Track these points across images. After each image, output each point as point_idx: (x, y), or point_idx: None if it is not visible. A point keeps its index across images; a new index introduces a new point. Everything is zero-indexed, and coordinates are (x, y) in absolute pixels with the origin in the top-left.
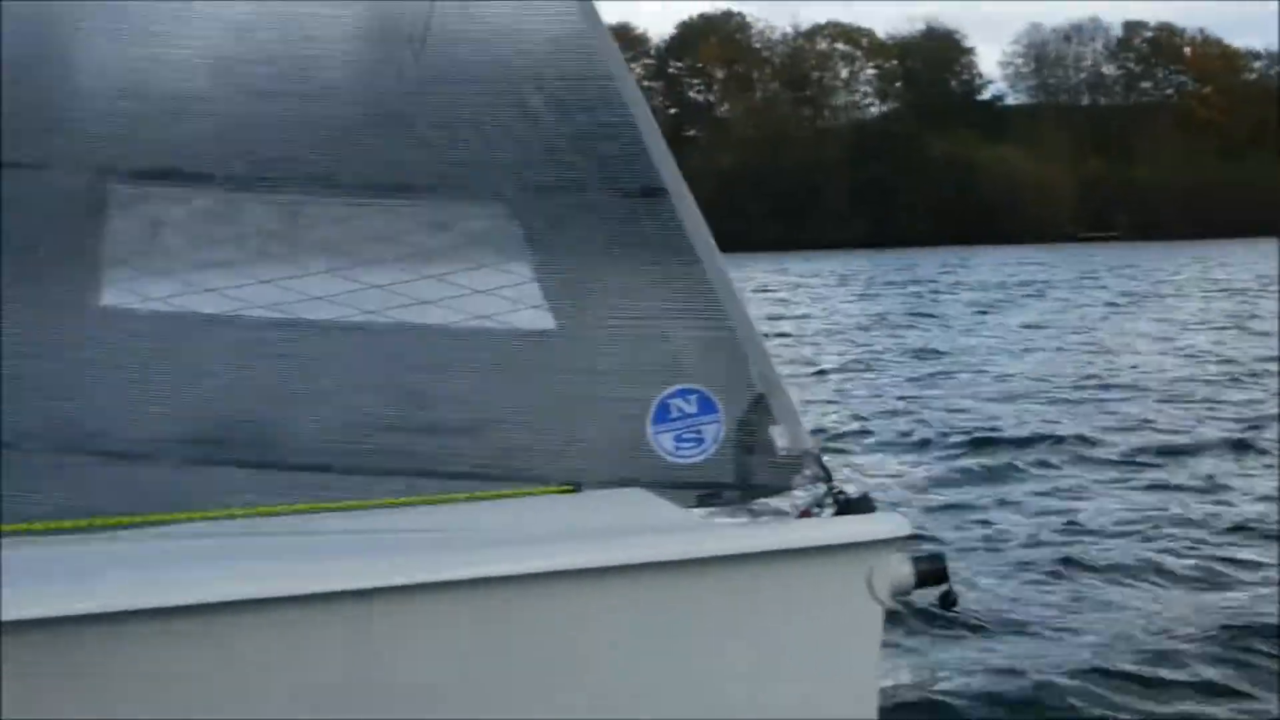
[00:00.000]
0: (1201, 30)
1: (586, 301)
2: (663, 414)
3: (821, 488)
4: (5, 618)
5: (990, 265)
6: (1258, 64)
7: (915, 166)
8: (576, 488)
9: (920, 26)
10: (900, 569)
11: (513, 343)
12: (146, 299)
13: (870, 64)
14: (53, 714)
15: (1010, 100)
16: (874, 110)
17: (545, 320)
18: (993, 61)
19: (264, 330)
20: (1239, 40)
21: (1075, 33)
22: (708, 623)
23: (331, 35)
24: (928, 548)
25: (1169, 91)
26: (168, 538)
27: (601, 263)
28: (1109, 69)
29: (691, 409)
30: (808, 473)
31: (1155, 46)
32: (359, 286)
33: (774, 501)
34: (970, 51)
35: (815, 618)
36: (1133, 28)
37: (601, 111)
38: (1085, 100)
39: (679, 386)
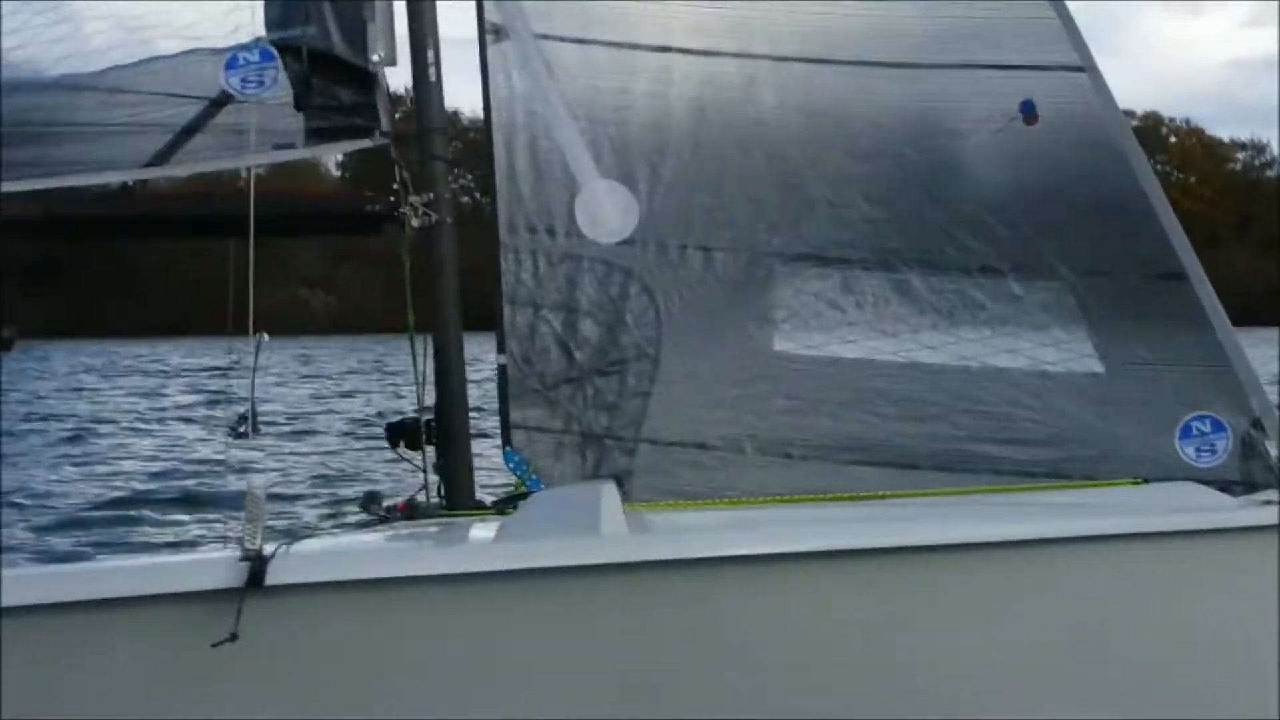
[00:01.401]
0: (1187, 120)
1: (1126, 353)
2: (1186, 432)
3: None
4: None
5: None
6: (1241, 154)
7: None
8: (1144, 480)
9: None
10: None
11: (1075, 381)
12: (805, 346)
13: None
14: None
15: None
16: None
17: (1097, 366)
18: None
19: (892, 370)
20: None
21: None
22: (1248, 572)
23: (918, 160)
24: None
25: None
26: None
27: (1138, 325)
28: None
29: (1207, 429)
30: None
31: (1140, 135)
32: (956, 340)
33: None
34: None
35: None
36: None
37: (1137, 217)
38: None
39: (1198, 413)
